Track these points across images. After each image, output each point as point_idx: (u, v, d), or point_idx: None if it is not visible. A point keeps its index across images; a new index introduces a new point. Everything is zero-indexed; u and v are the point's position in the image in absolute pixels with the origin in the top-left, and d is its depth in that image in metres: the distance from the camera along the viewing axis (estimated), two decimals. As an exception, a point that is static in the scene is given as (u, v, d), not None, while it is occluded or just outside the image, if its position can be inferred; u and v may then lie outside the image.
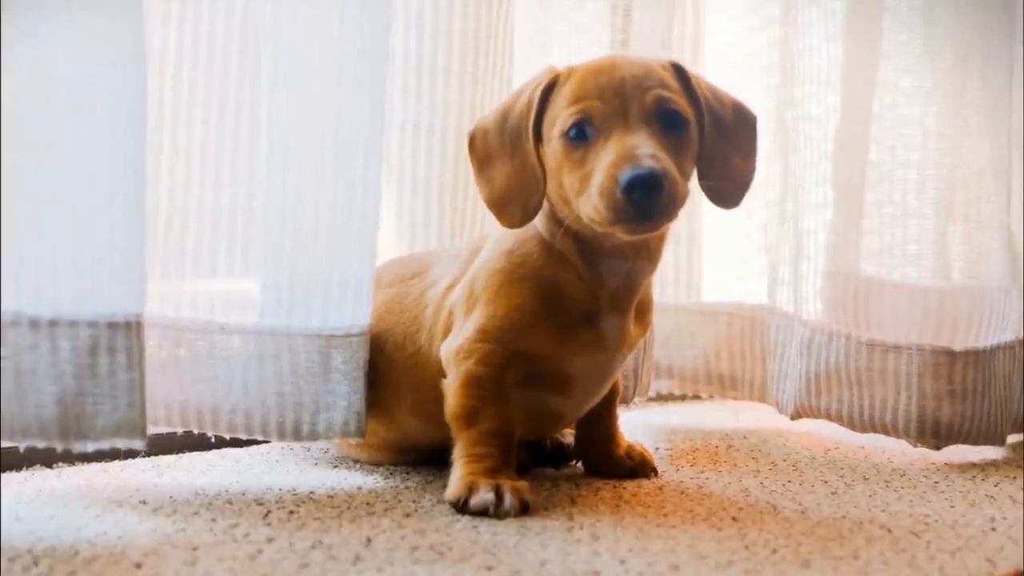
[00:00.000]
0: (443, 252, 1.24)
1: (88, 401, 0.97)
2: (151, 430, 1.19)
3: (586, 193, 1.01)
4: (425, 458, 1.22)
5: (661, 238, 1.11)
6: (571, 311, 1.09)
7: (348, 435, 1.15)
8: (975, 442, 1.37)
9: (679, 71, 1.09)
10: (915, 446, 1.38)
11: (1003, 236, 1.43)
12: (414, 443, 1.21)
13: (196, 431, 1.14)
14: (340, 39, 1.12)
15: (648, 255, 1.10)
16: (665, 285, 1.57)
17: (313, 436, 1.14)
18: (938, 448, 1.37)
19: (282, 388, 1.13)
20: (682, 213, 1.03)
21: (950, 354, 1.36)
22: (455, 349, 1.09)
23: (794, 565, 0.89)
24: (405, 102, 1.35)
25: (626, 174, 0.97)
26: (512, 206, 1.08)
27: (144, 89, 1.01)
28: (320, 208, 1.13)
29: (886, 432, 1.38)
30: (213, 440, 1.22)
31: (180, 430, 1.15)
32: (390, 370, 1.17)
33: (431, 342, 1.14)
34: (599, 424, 1.22)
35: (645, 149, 0.99)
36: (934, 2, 1.40)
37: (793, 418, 1.45)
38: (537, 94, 1.07)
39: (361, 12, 1.12)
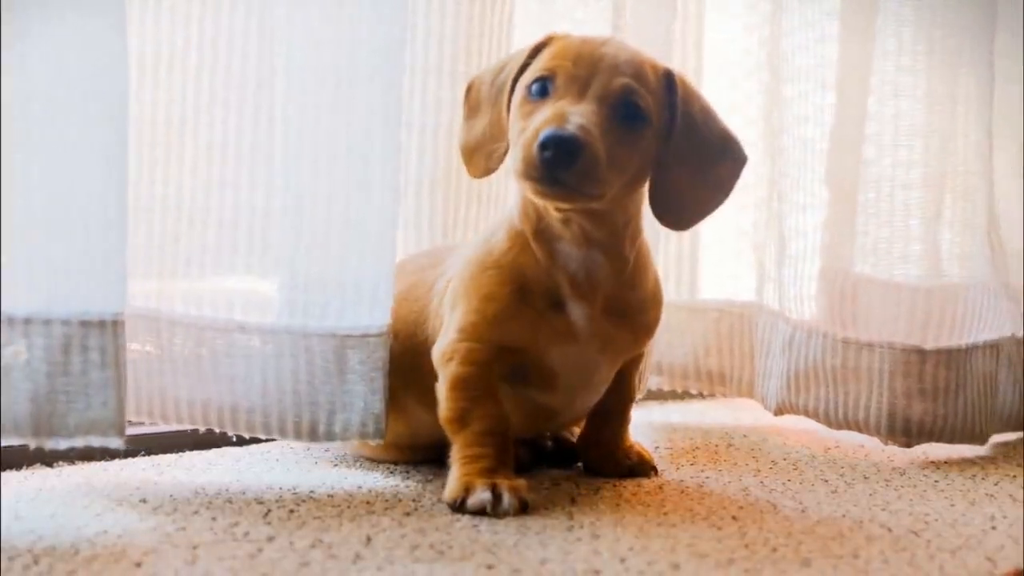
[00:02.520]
0: (461, 245, 1.24)
1: (60, 399, 0.97)
2: (170, 427, 1.22)
3: (517, 146, 1.02)
4: (432, 455, 1.22)
5: (618, 239, 1.09)
6: (537, 297, 1.09)
7: (366, 436, 1.15)
8: (950, 440, 1.37)
9: (668, 78, 1.08)
10: (885, 444, 1.38)
11: (984, 235, 1.43)
12: (422, 437, 1.20)
13: (217, 429, 1.15)
14: (355, 38, 1.12)
15: (601, 247, 1.09)
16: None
17: (330, 436, 1.14)
18: (909, 446, 1.37)
19: (298, 388, 1.13)
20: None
21: (921, 352, 1.36)
22: (441, 352, 1.10)
23: (794, 564, 0.89)
24: (396, 100, 1.35)
25: (545, 132, 0.97)
26: (479, 155, 1.10)
27: (127, 89, 1.01)
28: (336, 208, 1.13)
29: (859, 430, 1.39)
30: (223, 437, 1.22)
31: (202, 428, 1.15)
32: (404, 357, 1.17)
33: (434, 334, 1.15)
34: (606, 425, 1.21)
35: (577, 118, 0.99)
36: (925, 1, 1.40)
37: (776, 414, 1.46)
38: (527, 51, 1.09)
39: (376, 11, 1.12)
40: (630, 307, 1.13)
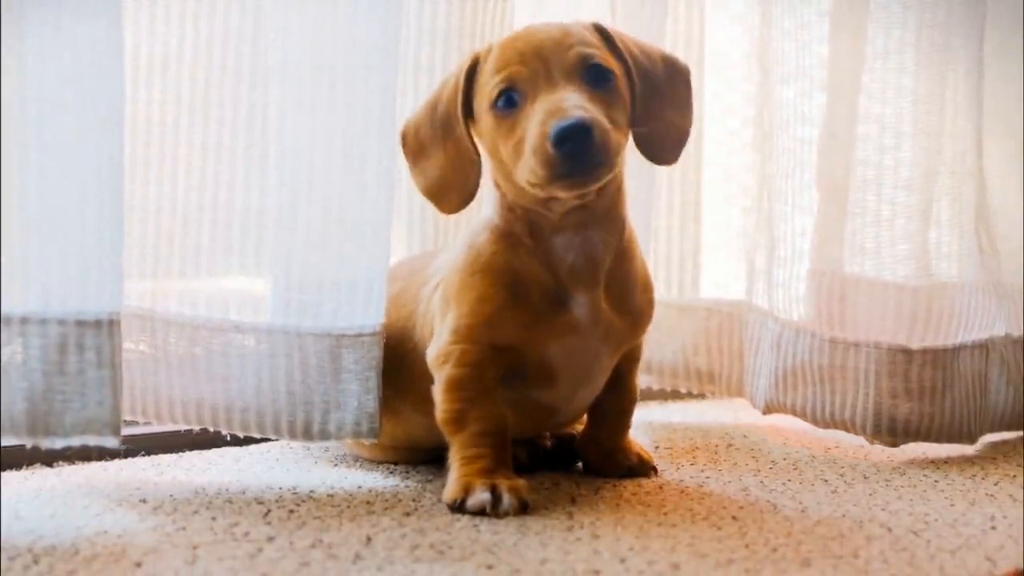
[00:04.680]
0: (443, 250, 1.24)
1: (57, 398, 0.98)
2: (170, 427, 1.22)
3: (522, 159, 1.02)
4: (431, 456, 1.22)
5: (614, 204, 1.10)
6: (534, 295, 1.09)
7: (360, 435, 1.15)
8: (938, 440, 1.37)
9: (600, 30, 1.10)
10: (871, 443, 1.38)
11: (973, 235, 1.43)
12: (420, 440, 1.20)
13: (211, 429, 1.15)
14: (351, 37, 1.12)
15: (603, 222, 1.10)
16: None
17: (324, 436, 1.14)
18: (895, 445, 1.37)
19: (292, 387, 1.13)
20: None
21: (907, 352, 1.36)
22: (435, 355, 1.10)
23: (794, 564, 0.89)
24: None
25: (554, 127, 0.98)
26: (449, 191, 1.10)
27: (123, 89, 1.01)
28: (330, 207, 1.13)
29: (845, 429, 1.39)
30: (223, 437, 1.22)
31: (196, 427, 1.16)
32: (395, 364, 1.17)
33: (424, 340, 1.15)
34: (606, 425, 1.21)
35: (571, 102, 1.00)
36: (917, 2, 1.40)
37: (765, 413, 1.47)
38: (462, 77, 1.09)
39: (370, 11, 1.12)
40: (626, 287, 1.13)
